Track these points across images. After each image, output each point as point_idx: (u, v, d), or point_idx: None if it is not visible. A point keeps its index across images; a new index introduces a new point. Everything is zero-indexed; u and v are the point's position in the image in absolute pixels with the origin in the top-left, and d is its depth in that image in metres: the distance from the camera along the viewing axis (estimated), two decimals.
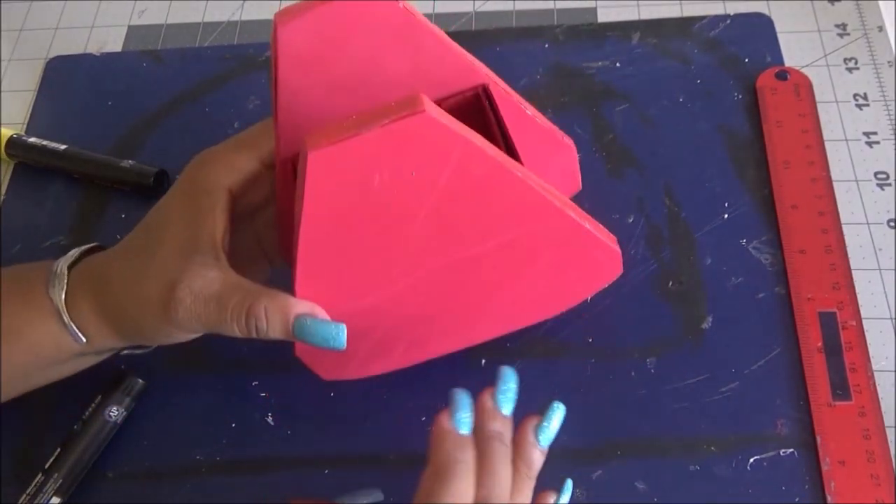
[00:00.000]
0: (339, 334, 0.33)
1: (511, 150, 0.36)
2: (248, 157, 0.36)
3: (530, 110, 0.40)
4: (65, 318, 0.35)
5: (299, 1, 0.32)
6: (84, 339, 0.36)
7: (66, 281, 0.36)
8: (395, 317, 0.37)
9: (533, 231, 0.36)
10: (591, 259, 0.39)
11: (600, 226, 0.39)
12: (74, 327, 0.35)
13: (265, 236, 0.40)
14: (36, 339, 0.36)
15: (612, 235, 0.39)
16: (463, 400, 0.33)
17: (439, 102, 0.36)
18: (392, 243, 0.34)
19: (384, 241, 0.33)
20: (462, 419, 0.33)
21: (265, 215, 0.39)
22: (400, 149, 0.29)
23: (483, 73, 0.37)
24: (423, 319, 0.38)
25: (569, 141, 0.43)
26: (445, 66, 0.35)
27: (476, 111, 0.37)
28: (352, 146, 0.29)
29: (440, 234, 0.34)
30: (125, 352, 0.40)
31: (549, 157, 0.42)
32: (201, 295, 0.33)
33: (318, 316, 0.33)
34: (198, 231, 0.34)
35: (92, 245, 0.38)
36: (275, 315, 0.33)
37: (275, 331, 0.33)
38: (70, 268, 0.36)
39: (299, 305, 0.33)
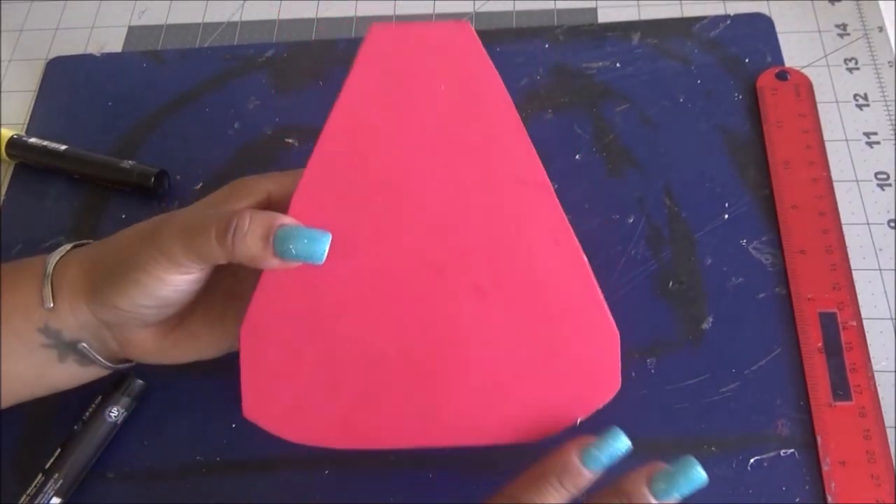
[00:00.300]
0: (323, 239, 0.31)
1: None
2: (294, 180, 0.35)
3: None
4: (45, 276, 0.34)
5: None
6: (51, 302, 0.34)
7: (66, 251, 0.36)
8: (364, 329, 0.35)
9: (526, 235, 0.35)
10: (583, 334, 0.35)
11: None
12: (48, 286, 0.34)
13: None
14: (10, 301, 0.35)
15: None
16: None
17: None
18: (394, 194, 0.34)
19: (389, 187, 0.34)
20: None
21: None
22: (440, 51, 0.34)
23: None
24: (389, 352, 0.35)
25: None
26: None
27: None
28: (404, 31, 0.34)
29: (438, 203, 0.34)
30: (82, 345, 0.36)
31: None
32: (192, 215, 0.33)
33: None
34: (218, 205, 0.35)
35: None
36: (258, 219, 0.31)
37: (254, 235, 0.31)
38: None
39: (286, 218, 0.32)
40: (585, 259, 0.35)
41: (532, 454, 0.40)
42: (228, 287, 0.37)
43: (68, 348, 0.36)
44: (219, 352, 0.38)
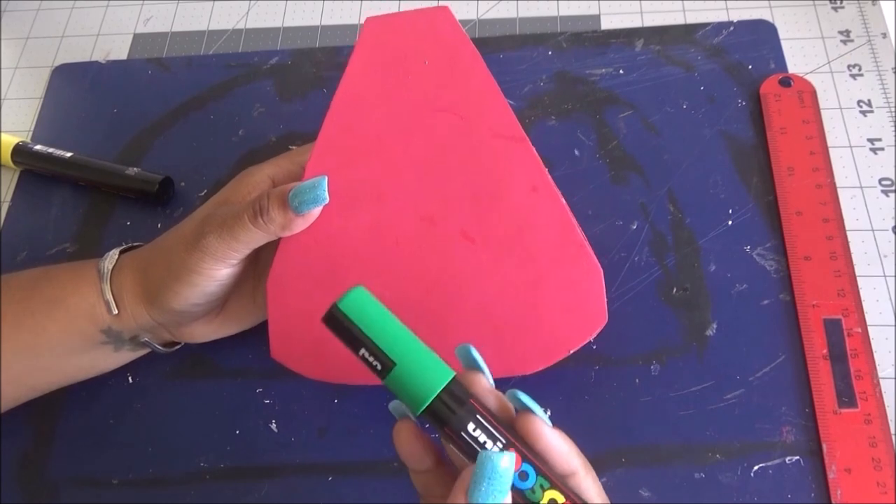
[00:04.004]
0: (321, 182, 0.37)
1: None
2: (290, 161, 0.41)
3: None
4: (104, 283, 0.39)
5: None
6: (115, 309, 0.39)
7: (116, 258, 0.40)
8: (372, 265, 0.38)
9: (506, 184, 0.37)
10: (567, 272, 0.38)
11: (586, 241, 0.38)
12: (109, 294, 0.39)
13: None
14: (74, 304, 0.39)
15: (597, 265, 0.38)
16: None
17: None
18: (390, 157, 0.38)
19: (385, 151, 0.38)
20: None
21: None
22: (424, 33, 0.38)
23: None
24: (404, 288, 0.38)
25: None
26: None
27: None
28: (393, 19, 0.39)
29: (428, 162, 0.38)
30: (145, 339, 0.41)
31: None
32: (228, 211, 0.38)
33: None
34: (231, 195, 0.40)
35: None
36: (274, 193, 0.37)
37: (275, 207, 0.36)
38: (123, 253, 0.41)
39: (292, 184, 0.38)
40: (564, 203, 0.38)
41: None
42: (253, 271, 0.42)
43: (125, 343, 0.41)
44: (254, 322, 0.43)
